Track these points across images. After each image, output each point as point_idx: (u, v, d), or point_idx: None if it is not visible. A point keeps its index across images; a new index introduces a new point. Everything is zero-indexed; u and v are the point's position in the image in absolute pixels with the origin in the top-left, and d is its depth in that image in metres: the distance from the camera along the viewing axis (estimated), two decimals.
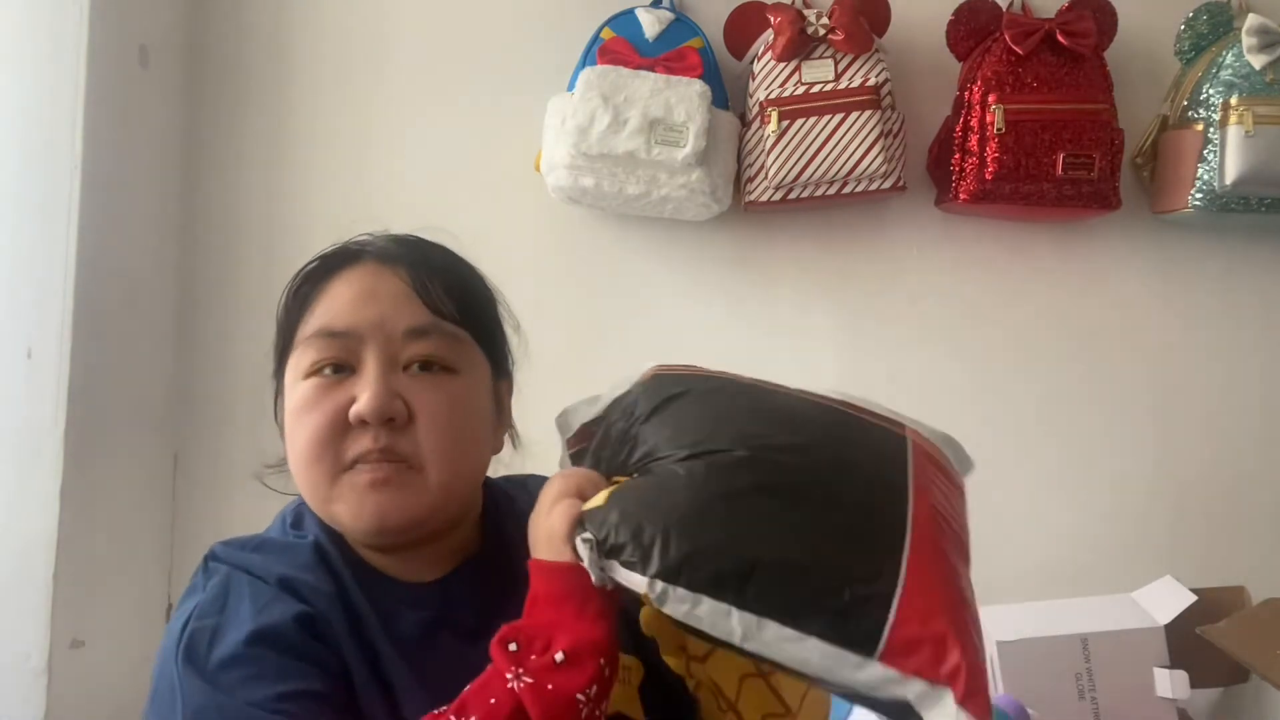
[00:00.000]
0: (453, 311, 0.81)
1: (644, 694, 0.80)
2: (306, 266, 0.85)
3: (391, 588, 0.81)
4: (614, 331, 1.61)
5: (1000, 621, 1.44)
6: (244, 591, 0.75)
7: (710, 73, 1.52)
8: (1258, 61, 1.49)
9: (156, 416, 1.54)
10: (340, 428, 0.76)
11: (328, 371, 0.78)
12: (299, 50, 1.64)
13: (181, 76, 1.61)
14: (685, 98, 1.46)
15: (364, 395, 0.75)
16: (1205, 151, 1.51)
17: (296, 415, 0.78)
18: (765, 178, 1.52)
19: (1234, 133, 1.47)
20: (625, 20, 1.55)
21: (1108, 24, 1.56)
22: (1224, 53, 1.53)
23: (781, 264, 1.63)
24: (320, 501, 0.79)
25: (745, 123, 1.57)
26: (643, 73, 1.48)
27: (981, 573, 1.73)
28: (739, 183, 1.57)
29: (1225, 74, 1.51)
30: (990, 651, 1.45)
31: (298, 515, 0.85)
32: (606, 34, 1.54)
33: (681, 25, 1.56)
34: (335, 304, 0.80)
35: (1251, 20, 1.50)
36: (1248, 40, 1.50)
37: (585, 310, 1.62)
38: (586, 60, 1.53)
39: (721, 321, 1.62)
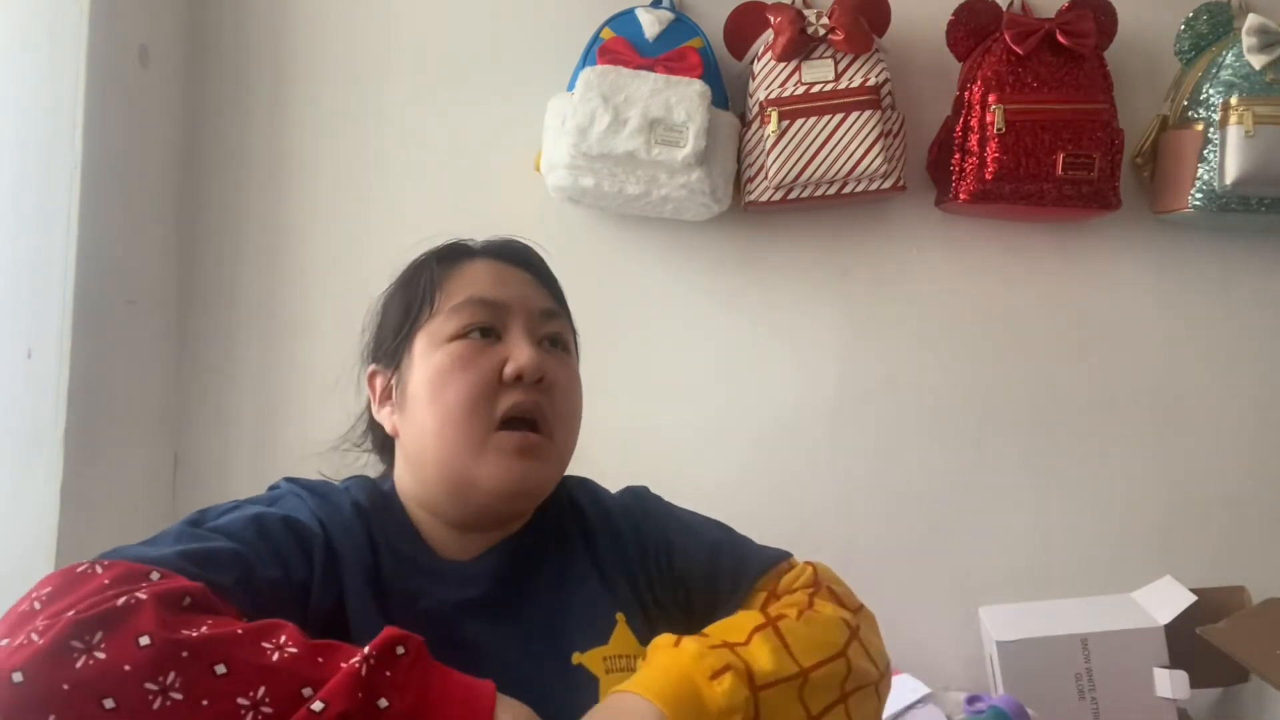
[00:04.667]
0: (564, 304, 0.94)
1: None
2: (435, 251, 0.93)
3: (427, 563, 0.85)
4: (614, 332, 1.61)
5: (1000, 621, 1.44)
6: (289, 503, 0.84)
7: (710, 73, 1.52)
8: (1258, 61, 1.49)
9: (156, 416, 1.54)
10: (494, 385, 0.83)
11: (476, 335, 0.85)
12: (299, 50, 1.64)
13: (181, 76, 1.61)
14: (685, 98, 1.46)
15: (522, 355, 0.84)
16: (1205, 151, 1.51)
17: (447, 373, 0.83)
18: (765, 178, 1.52)
19: (1234, 133, 1.47)
20: (625, 20, 1.55)
21: (1108, 24, 1.56)
22: (1224, 53, 1.53)
23: (781, 264, 1.63)
24: (465, 458, 0.83)
25: (745, 123, 1.57)
26: (643, 73, 1.48)
27: (982, 572, 1.74)
28: (739, 183, 1.57)
29: (1225, 74, 1.51)
30: (990, 651, 1.45)
31: (346, 488, 0.90)
32: (606, 34, 1.54)
33: (681, 25, 1.56)
34: (478, 280, 0.88)
35: (1251, 20, 1.50)
36: (1248, 40, 1.50)
37: (585, 310, 1.61)
38: (586, 60, 1.53)
39: (721, 321, 1.62)
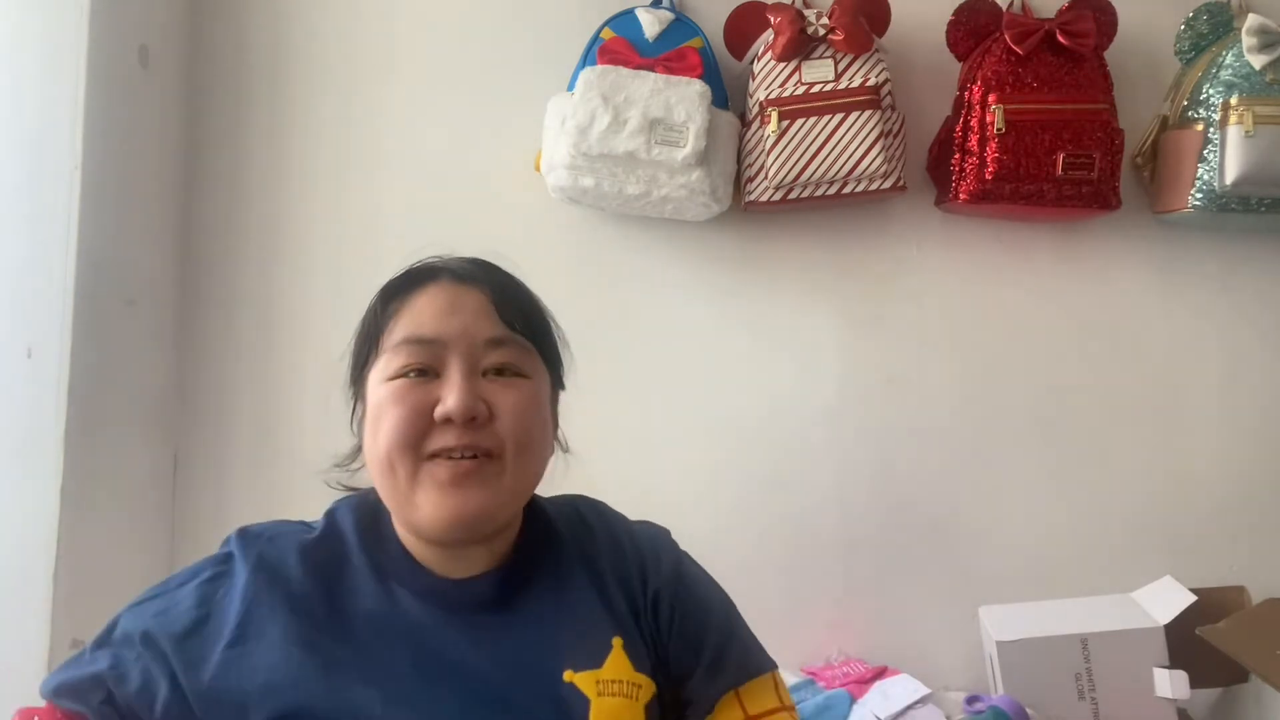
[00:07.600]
0: (523, 326, 0.88)
1: (649, 712, 0.84)
2: (388, 284, 0.90)
3: (416, 582, 0.85)
4: (614, 332, 1.61)
5: (1000, 621, 1.44)
6: (178, 595, 0.85)
7: (710, 73, 1.52)
8: (1258, 61, 1.49)
9: (156, 416, 1.54)
10: (424, 424, 0.81)
11: (412, 375, 0.83)
12: (299, 50, 1.64)
13: (181, 76, 1.61)
14: (685, 98, 1.46)
15: (450, 396, 0.81)
16: (1205, 151, 1.51)
17: (380, 412, 0.83)
18: (765, 178, 1.52)
19: (1234, 133, 1.47)
20: (625, 20, 1.55)
21: (1108, 24, 1.56)
22: (1224, 53, 1.53)
23: (781, 264, 1.63)
24: (401, 497, 0.82)
25: (745, 123, 1.57)
26: (643, 73, 1.48)
27: (982, 572, 1.74)
28: (739, 183, 1.57)
29: (1225, 74, 1.51)
30: (990, 651, 1.45)
31: (331, 510, 0.91)
32: (606, 34, 1.54)
33: (681, 25, 1.56)
34: (421, 315, 0.85)
35: (1251, 20, 1.50)
36: (1248, 40, 1.50)
37: (585, 311, 1.61)
38: (586, 60, 1.53)
39: (722, 321, 1.62)
